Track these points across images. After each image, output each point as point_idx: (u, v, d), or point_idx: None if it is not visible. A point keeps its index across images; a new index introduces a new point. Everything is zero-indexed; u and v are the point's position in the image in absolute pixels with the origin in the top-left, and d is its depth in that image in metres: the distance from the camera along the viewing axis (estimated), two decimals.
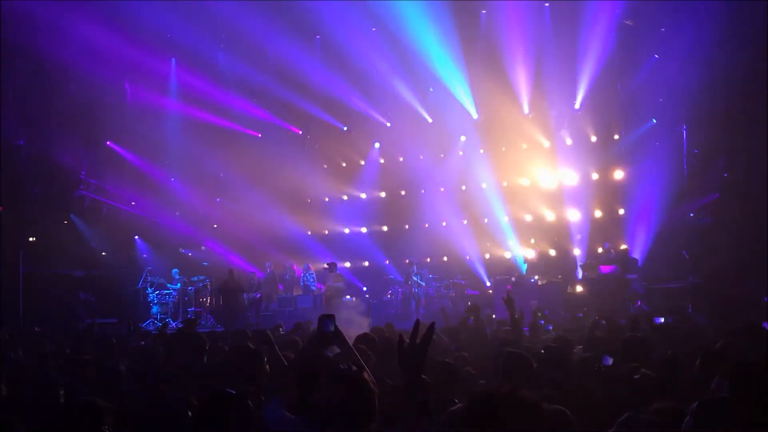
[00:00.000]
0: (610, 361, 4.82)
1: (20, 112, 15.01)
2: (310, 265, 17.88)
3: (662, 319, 10.59)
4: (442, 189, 19.39)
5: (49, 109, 15.71)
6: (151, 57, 16.04)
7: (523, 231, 18.00)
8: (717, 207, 14.17)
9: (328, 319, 4.24)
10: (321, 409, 3.07)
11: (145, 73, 16.32)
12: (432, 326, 2.82)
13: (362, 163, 20.04)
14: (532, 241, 17.85)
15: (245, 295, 16.26)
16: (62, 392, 5.07)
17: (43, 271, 15.40)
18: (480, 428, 2.61)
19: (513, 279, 15.84)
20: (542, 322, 8.96)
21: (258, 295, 16.56)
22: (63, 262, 16.12)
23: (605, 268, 14.35)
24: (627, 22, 14.79)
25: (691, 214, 14.99)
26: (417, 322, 2.83)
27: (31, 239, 15.84)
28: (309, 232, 20.08)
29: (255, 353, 4.87)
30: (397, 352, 2.79)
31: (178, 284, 16.63)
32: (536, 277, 15.70)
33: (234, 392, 3.56)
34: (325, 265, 16.49)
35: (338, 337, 4.25)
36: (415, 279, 15.97)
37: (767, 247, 12.26)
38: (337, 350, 4.30)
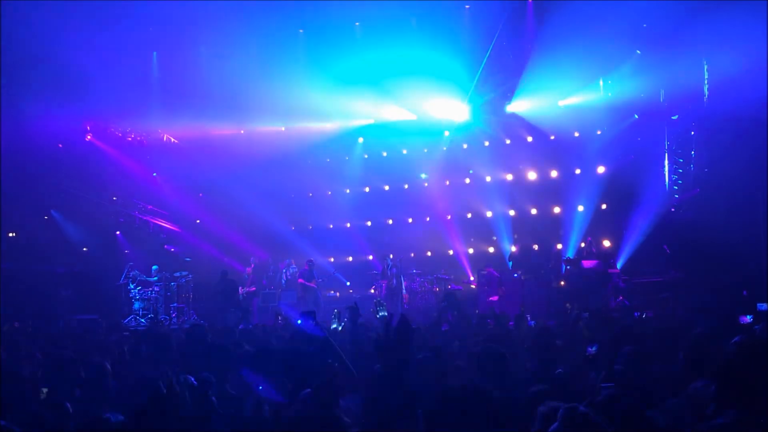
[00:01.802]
0: (594, 349, 4.90)
1: None
2: (293, 261, 17.84)
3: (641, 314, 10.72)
4: (426, 184, 19.45)
5: (29, 103, 15.50)
6: (132, 50, 15.87)
7: (507, 226, 18.10)
8: (698, 202, 14.31)
9: (308, 315, 4.28)
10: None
11: (126, 66, 16.13)
12: (403, 318, 2.79)
13: (346, 158, 20.01)
14: (515, 236, 17.96)
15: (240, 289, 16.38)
16: (45, 390, 5.02)
17: (23, 267, 15.22)
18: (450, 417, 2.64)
19: (484, 272, 15.98)
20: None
21: (253, 289, 16.54)
22: (43, 258, 15.95)
23: (587, 263, 14.48)
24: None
25: (672, 209, 15.13)
26: (389, 320, 2.81)
27: (10, 234, 15.65)
28: (293, 228, 20.03)
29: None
30: (377, 352, 2.77)
31: (156, 277, 16.54)
32: (519, 273, 15.78)
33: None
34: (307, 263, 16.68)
35: (318, 332, 4.28)
36: (393, 271, 16.07)
37: (747, 242, 12.44)
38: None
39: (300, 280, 16.72)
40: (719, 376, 3.63)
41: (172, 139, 18.94)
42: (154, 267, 16.84)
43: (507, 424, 2.89)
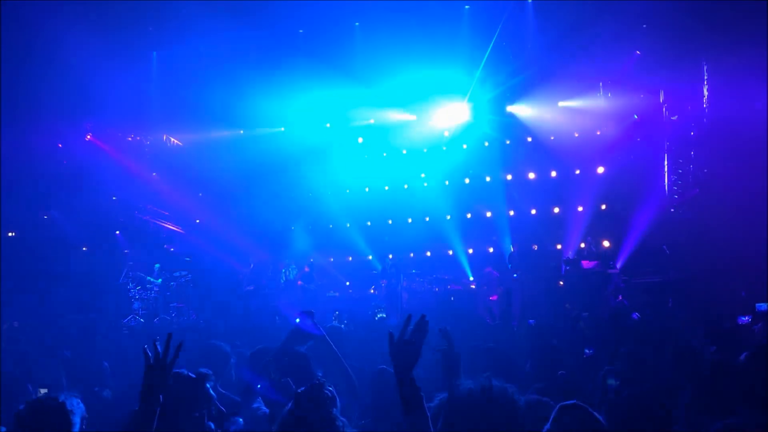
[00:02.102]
0: (591, 352, 4.91)
1: None
2: (293, 262, 17.82)
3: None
4: (426, 184, 19.44)
5: (29, 102, 15.50)
6: (132, 49, 15.84)
7: (507, 226, 18.10)
8: (697, 203, 14.32)
9: (306, 314, 4.29)
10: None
11: (126, 66, 16.10)
12: (423, 318, 2.82)
13: (346, 158, 19.96)
14: (515, 236, 17.95)
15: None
16: (43, 391, 5.02)
17: (22, 266, 15.22)
18: (461, 424, 2.63)
19: (488, 270, 15.99)
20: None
21: (252, 287, 16.53)
22: (42, 258, 15.95)
23: (587, 263, 14.49)
24: None
25: (672, 210, 15.14)
26: (409, 317, 2.83)
27: (10, 234, 15.65)
28: (293, 228, 20.00)
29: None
30: (389, 347, 2.78)
31: (159, 279, 16.54)
32: (519, 273, 15.78)
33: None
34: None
35: (316, 332, 4.29)
36: (393, 271, 16.08)
37: (746, 242, 12.44)
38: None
39: (299, 282, 16.72)
40: (735, 376, 3.64)
41: (172, 139, 18.94)
42: (156, 265, 16.86)
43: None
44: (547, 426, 2.79)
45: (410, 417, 2.73)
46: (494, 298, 15.03)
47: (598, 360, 4.95)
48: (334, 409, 3.13)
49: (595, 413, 2.80)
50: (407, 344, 2.75)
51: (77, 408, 3.41)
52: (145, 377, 2.99)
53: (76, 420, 3.36)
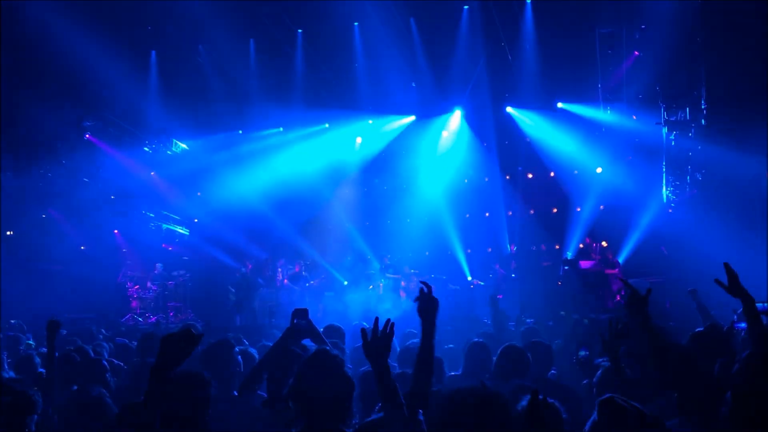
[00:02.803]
0: (586, 353, 4.93)
1: None
2: (288, 261, 17.85)
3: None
4: (425, 185, 19.45)
5: (28, 101, 15.50)
6: (131, 48, 15.84)
7: (505, 226, 18.13)
8: (695, 203, 14.34)
9: (301, 312, 4.30)
10: (296, 398, 3.08)
11: (125, 64, 16.10)
12: (389, 321, 3.05)
13: (345, 158, 19.98)
14: (513, 236, 17.99)
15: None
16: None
17: (20, 265, 15.22)
18: (455, 426, 2.64)
19: (497, 267, 16.04)
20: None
21: (260, 290, 16.56)
22: (41, 257, 15.96)
23: (585, 264, 14.52)
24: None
25: (670, 210, 15.17)
26: (376, 319, 3.05)
27: (8, 233, 15.65)
28: (291, 228, 19.99)
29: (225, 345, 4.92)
30: (362, 343, 2.98)
31: (157, 279, 16.56)
32: (518, 273, 15.82)
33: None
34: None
35: (311, 330, 4.30)
36: (388, 272, 16.12)
37: (746, 243, 12.46)
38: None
39: (285, 281, 16.76)
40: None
41: (175, 141, 18.93)
42: (159, 264, 16.89)
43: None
44: (594, 417, 2.88)
45: (387, 407, 2.89)
46: (500, 297, 15.04)
47: (592, 361, 4.96)
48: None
49: (638, 406, 2.87)
50: (379, 340, 2.98)
51: (32, 403, 3.44)
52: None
53: (33, 417, 3.40)
